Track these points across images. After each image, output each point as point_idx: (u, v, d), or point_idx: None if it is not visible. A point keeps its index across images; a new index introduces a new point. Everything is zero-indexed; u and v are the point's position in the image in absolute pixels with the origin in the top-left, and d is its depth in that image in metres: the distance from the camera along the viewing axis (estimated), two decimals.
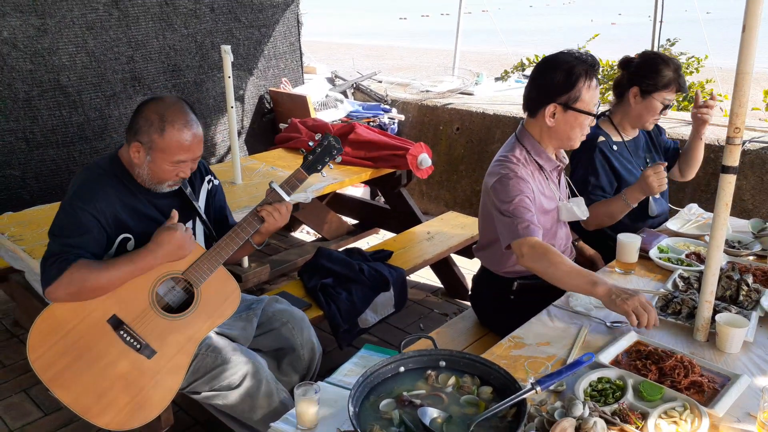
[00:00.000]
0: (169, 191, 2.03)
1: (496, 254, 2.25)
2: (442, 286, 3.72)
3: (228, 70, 3.05)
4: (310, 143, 2.09)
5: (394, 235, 3.58)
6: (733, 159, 1.59)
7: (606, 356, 1.63)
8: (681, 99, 4.49)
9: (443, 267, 3.55)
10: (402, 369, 1.45)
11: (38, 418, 2.67)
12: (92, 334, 1.86)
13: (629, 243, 2.14)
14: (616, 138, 2.57)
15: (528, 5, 40.53)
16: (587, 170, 2.49)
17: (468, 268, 3.78)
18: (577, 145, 2.15)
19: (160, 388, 1.91)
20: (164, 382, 1.91)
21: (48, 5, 3.56)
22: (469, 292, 2.52)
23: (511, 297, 2.26)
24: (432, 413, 1.29)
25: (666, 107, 2.51)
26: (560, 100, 2.04)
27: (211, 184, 2.21)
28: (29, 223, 2.75)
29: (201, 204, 2.15)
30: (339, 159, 2.13)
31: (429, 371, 1.44)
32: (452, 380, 1.41)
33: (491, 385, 1.39)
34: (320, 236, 4.35)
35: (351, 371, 1.76)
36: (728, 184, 1.61)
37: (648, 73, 2.48)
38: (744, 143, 3.37)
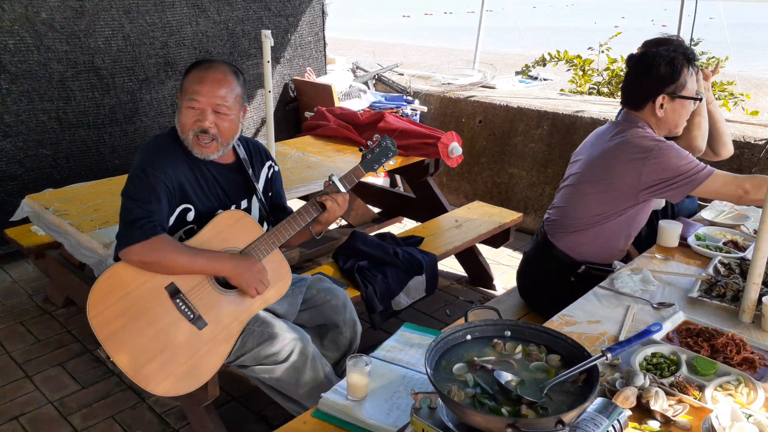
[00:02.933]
0: (232, 164, 2.11)
1: (596, 238, 2.28)
2: (465, 274, 3.78)
3: (267, 54, 3.10)
4: (369, 143, 2.20)
5: (419, 223, 3.64)
6: None
7: (658, 334, 1.69)
8: None
9: (468, 256, 3.61)
10: (469, 337, 1.50)
11: (76, 391, 2.71)
12: (150, 298, 1.92)
13: (670, 228, 2.20)
14: None
15: (532, 6, 40.63)
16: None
17: (492, 258, 3.84)
18: (681, 131, 2.26)
19: (208, 360, 1.96)
20: (212, 354, 1.97)
21: None
22: (518, 269, 2.57)
23: (571, 279, 2.32)
24: (506, 376, 1.34)
25: None
26: (668, 90, 2.15)
27: (271, 170, 2.28)
28: (72, 199, 2.80)
29: (260, 186, 2.22)
30: (394, 162, 2.24)
31: (495, 340, 1.49)
32: (519, 348, 1.46)
33: (558, 353, 1.44)
34: (344, 224, 4.41)
35: (393, 347, 1.82)
36: None
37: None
38: (766, 143, 3.44)
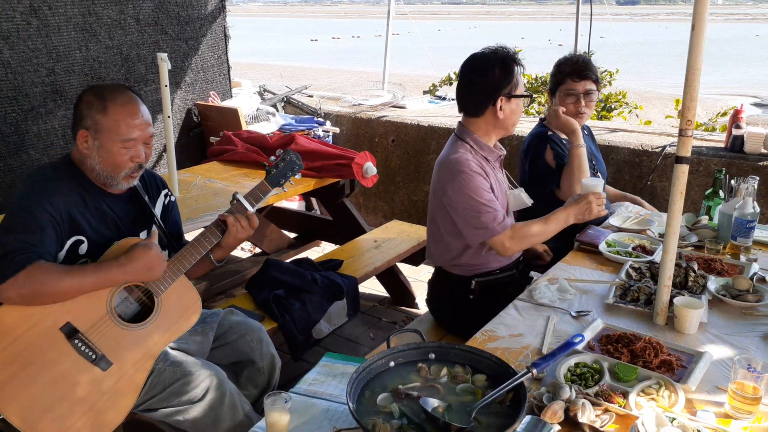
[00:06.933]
0: (126, 194, 1.97)
1: (451, 253, 2.29)
2: (388, 294, 3.72)
3: (165, 78, 2.94)
4: (272, 158, 2.10)
5: (337, 246, 3.55)
6: (686, 150, 1.70)
7: (580, 343, 1.69)
8: (600, 109, 4.78)
9: (389, 275, 3.55)
10: (392, 364, 1.43)
11: None
12: (43, 342, 1.72)
13: (593, 185, 2.27)
14: (562, 136, 2.71)
15: (437, 29, 41.96)
16: (544, 163, 2.62)
17: (413, 276, 3.80)
18: (513, 131, 2.31)
19: (115, 404, 1.79)
20: (120, 396, 1.80)
21: None
22: (426, 297, 2.53)
23: (470, 297, 2.29)
24: (432, 403, 1.28)
25: (574, 95, 2.64)
26: (504, 92, 2.17)
27: (168, 198, 2.16)
28: None
29: (157, 214, 2.09)
30: (299, 176, 2.15)
31: (420, 364, 1.43)
32: (444, 371, 1.41)
33: (484, 373, 1.40)
34: (257, 251, 4.25)
35: (316, 380, 1.71)
36: (682, 173, 1.72)
37: (551, 77, 2.75)
38: (665, 148, 3.63)
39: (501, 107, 2.18)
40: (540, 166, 2.63)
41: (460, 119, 2.31)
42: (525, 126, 4.07)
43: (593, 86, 2.67)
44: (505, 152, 2.35)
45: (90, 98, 1.84)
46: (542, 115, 2.86)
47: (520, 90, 2.21)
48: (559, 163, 2.60)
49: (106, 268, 1.78)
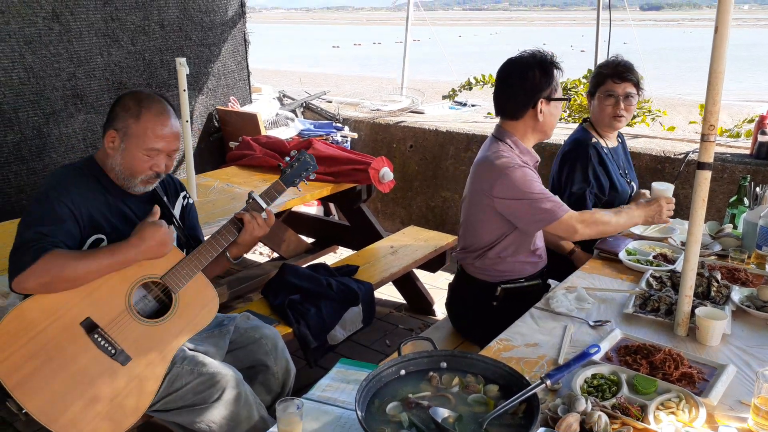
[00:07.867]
0: (145, 195, 2.00)
1: (488, 256, 2.26)
2: (405, 301, 3.69)
3: (183, 82, 2.96)
4: (287, 158, 2.15)
5: (354, 252, 3.54)
6: (709, 156, 1.65)
7: (597, 353, 1.64)
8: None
9: (406, 282, 3.53)
10: (403, 372, 1.41)
11: None
12: (64, 336, 1.75)
13: (664, 189, 2.33)
14: (603, 144, 2.67)
15: (457, 35, 41.94)
16: (585, 174, 2.57)
17: (430, 283, 3.77)
18: (551, 134, 2.27)
19: (134, 399, 1.81)
20: (138, 391, 1.82)
21: None
22: (445, 301, 2.50)
23: (493, 303, 2.26)
24: (443, 413, 1.25)
25: (613, 97, 2.61)
26: (545, 94, 2.14)
27: (186, 200, 2.20)
28: None
29: (176, 214, 2.12)
30: (313, 176, 2.19)
31: (431, 373, 1.41)
32: (456, 380, 1.38)
33: (496, 383, 1.36)
34: (275, 256, 4.25)
35: (329, 386, 1.70)
36: (704, 180, 1.67)
37: (591, 78, 2.75)
38: (688, 154, 3.55)
39: (541, 110, 2.15)
40: (586, 178, 2.57)
41: (498, 122, 2.28)
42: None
43: (633, 89, 2.63)
44: (539, 158, 2.31)
45: (128, 102, 1.90)
46: (585, 116, 2.83)
47: (559, 93, 2.19)
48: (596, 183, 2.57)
49: (119, 248, 1.81)
